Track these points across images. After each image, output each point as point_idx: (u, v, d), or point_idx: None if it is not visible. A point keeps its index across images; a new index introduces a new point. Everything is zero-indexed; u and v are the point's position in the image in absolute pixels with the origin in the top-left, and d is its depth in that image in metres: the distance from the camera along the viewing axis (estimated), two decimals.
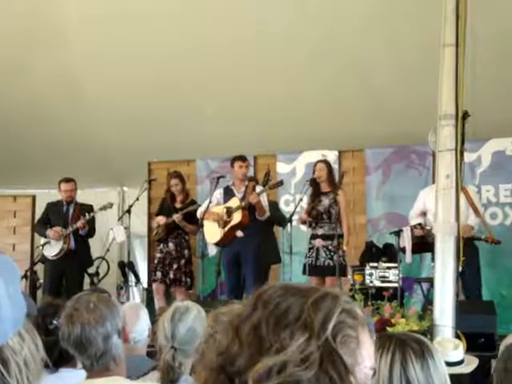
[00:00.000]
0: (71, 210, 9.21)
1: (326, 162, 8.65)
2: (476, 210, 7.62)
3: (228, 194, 8.47)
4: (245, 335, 1.12)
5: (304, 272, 8.33)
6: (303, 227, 8.79)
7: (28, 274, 9.03)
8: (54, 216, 9.24)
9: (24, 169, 10.90)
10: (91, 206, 9.28)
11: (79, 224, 8.90)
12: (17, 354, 1.24)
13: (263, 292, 1.17)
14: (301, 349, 1.09)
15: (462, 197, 6.86)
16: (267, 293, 1.17)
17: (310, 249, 8.33)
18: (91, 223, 9.12)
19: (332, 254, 8.15)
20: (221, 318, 1.19)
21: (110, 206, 9.33)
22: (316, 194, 8.41)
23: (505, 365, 2.77)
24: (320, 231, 8.29)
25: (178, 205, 8.98)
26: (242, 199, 8.23)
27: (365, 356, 1.15)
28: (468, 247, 7.05)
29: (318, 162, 8.61)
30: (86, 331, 2.62)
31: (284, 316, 1.12)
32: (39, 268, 9.73)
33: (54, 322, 3.11)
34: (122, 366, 2.73)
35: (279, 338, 1.10)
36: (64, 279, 9.09)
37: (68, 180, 9.20)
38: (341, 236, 8.17)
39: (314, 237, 8.33)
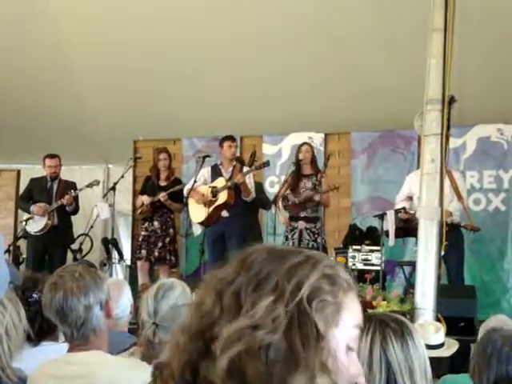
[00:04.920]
0: (55, 187, 9.17)
1: (311, 145, 8.66)
2: (459, 196, 7.63)
3: (216, 172, 8.46)
4: (226, 300, 1.10)
5: None
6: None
7: (11, 248, 9.01)
8: (37, 192, 9.20)
9: (9, 143, 10.83)
10: (75, 183, 9.26)
11: (65, 200, 8.87)
12: None
13: (248, 255, 1.14)
14: (267, 311, 1.06)
15: (447, 181, 6.89)
16: (251, 257, 1.14)
17: (290, 230, 8.27)
18: (75, 200, 9.09)
19: (316, 236, 8.17)
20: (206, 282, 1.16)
21: (97, 183, 9.31)
22: (298, 176, 8.38)
23: (484, 350, 2.80)
24: (302, 213, 8.22)
25: (162, 182, 8.96)
26: (229, 179, 8.22)
27: (348, 320, 1.14)
28: (453, 233, 7.08)
29: (304, 144, 8.60)
30: (68, 299, 2.62)
31: (263, 282, 1.09)
32: (22, 243, 9.70)
33: (34, 295, 3.11)
34: (103, 339, 2.73)
35: (251, 301, 1.08)
36: (47, 255, 9.08)
37: (53, 156, 9.17)
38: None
39: (295, 219, 8.25)
